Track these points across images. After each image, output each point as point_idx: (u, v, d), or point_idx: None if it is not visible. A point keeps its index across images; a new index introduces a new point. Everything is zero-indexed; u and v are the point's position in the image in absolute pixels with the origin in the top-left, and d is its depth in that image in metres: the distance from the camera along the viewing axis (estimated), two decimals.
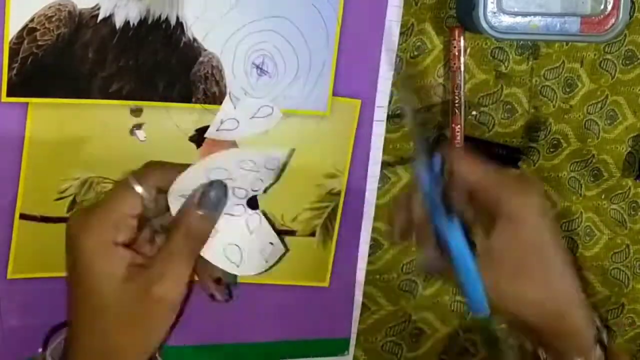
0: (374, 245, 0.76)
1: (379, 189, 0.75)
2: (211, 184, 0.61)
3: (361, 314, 0.77)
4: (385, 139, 0.73)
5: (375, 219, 0.75)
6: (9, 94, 0.63)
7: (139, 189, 0.59)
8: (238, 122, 0.68)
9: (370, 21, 0.70)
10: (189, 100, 0.67)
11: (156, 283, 0.57)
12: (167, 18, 0.64)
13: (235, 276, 0.66)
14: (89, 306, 0.58)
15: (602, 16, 0.70)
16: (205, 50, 0.66)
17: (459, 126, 0.74)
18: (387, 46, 0.71)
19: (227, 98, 0.67)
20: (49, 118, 0.64)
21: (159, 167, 0.62)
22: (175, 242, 0.59)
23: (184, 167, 0.61)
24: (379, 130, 0.73)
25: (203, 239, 0.61)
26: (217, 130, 0.68)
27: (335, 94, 0.70)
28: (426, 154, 0.61)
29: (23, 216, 0.66)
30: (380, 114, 0.72)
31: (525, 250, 0.59)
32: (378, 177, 0.74)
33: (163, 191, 0.61)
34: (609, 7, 0.70)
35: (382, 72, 0.71)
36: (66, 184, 0.66)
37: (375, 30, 0.70)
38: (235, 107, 0.67)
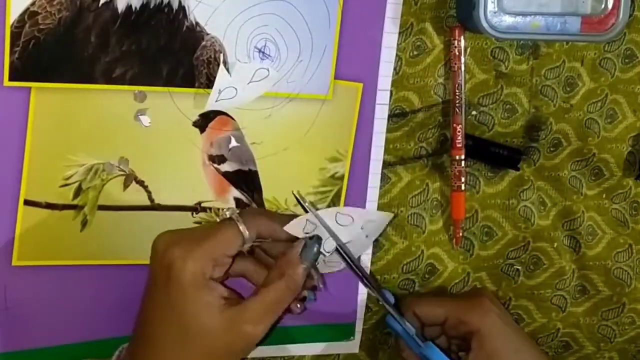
0: (375, 246, 0.74)
1: (380, 187, 0.72)
2: (312, 238, 0.63)
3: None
4: (386, 138, 0.71)
5: None
6: (11, 78, 0.61)
7: (245, 232, 0.60)
8: (236, 89, 0.66)
9: (372, 3, 0.67)
10: (192, 85, 0.65)
11: (250, 323, 0.59)
12: (169, 2, 0.62)
13: (314, 294, 0.68)
14: (177, 331, 0.58)
15: (602, 16, 0.68)
16: (208, 34, 0.64)
17: (460, 126, 0.71)
18: (388, 29, 0.68)
19: (221, 66, 0.64)
20: (52, 103, 0.62)
21: (264, 214, 0.64)
22: (278, 291, 0.60)
23: (287, 217, 0.64)
24: (380, 114, 0.70)
25: (299, 290, 0.62)
26: (216, 101, 0.65)
27: (336, 77, 0.68)
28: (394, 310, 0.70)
29: (27, 202, 0.64)
30: (382, 97, 0.70)
31: (504, 356, 0.68)
32: (381, 161, 0.71)
33: (261, 237, 0.62)
34: (610, 7, 0.68)
35: (383, 55, 0.69)
36: (71, 171, 0.64)
37: (376, 13, 0.68)
38: (231, 75, 0.65)
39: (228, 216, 0.61)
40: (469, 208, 0.75)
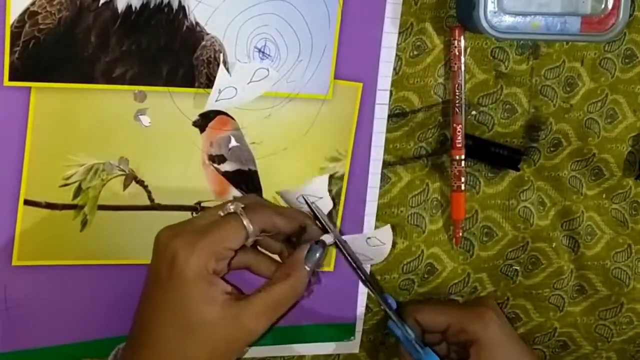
0: None
1: (380, 187, 0.71)
2: (317, 242, 0.63)
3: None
4: (386, 138, 0.71)
5: (376, 219, 0.72)
6: (11, 78, 0.60)
7: (249, 227, 0.60)
8: (236, 89, 0.65)
9: (371, 3, 0.67)
10: (192, 85, 0.64)
11: (253, 318, 0.58)
12: (169, 2, 0.62)
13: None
14: (178, 325, 0.57)
15: (602, 16, 0.67)
16: (208, 34, 0.63)
17: (460, 126, 0.71)
18: (388, 29, 0.68)
19: (221, 66, 0.64)
20: (52, 103, 0.62)
21: (269, 208, 0.64)
22: (283, 290, 0.60)
23: (291, 211, 0.66)
24: (380, 114, 0.70)
25: (302, 291, 0.62)
26: (216, 101, 0.65)
27: (336, 77, 0.68)
28: (395, 316, 0.70)
29: (27, 202, 0.63)
30: (381, 97, 0.70)
31: None
32: (381, 161, 0.71)
33: (265, 232, 0.62)
34: (610, 7, 0.67)
35: (383, 55, 0.68)
36: (71, 170, 0.64)
37: (376, 13, 0.68)
38: (230, 75, 0.64)
39: (232, 210, 0.60)
40: (469, 208, 0.74)
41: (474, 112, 0.73)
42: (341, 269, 0.72)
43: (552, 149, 0.75)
